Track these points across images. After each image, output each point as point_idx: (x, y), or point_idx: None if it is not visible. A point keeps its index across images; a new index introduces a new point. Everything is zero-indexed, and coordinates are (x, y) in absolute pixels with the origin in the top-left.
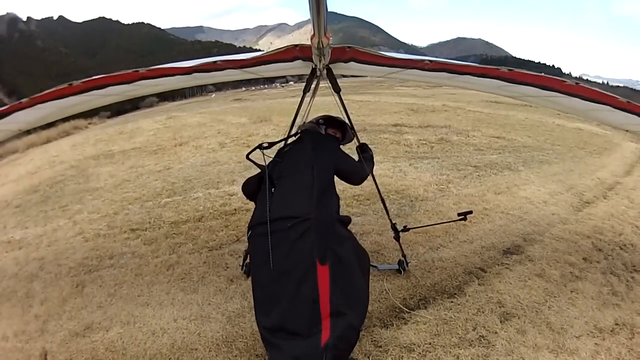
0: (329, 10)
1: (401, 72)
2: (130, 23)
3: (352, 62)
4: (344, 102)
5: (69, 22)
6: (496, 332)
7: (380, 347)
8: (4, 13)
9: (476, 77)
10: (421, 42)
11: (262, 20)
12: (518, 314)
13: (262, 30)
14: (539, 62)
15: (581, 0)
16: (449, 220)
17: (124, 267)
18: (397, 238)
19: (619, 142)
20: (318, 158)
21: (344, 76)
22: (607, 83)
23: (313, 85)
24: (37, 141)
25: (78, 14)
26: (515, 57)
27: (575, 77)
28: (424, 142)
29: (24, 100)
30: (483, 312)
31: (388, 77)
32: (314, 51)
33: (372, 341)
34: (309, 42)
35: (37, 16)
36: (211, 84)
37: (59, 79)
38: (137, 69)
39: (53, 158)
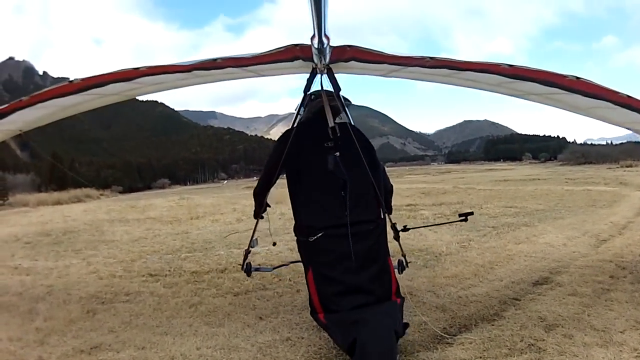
0: None
1: (402, 70)
2: (144, 100)
3: (352, 62)
4: None
5: None
6: (544, 340)
7: None
8: (20, 59)
9: (477, 73)
10: (428, 129)
11: (273, 109)
12: (561, 324)
13: (274, 120)
14: (544, 135)
15: (580, 67)
16: (450, 221)
17: (141, 303)
18: (397, 238)
19: (628, 193)
20: (373, 162)
21: None
22: (612, 142)
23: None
24: (48, 200)
25: None
26: (520, 134)
27: (581, 144)
28: (439, 215)
29: (24, 98)
30: (527, 327)
31: (391, 76)
32: (314, 51)
33: None
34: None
35: (53, 73)
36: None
37: (72, 143)
38: (137, 67)
39: (65, 216)
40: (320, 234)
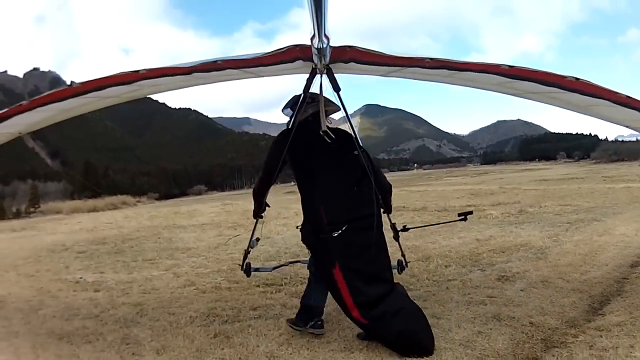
0: (371, 102)
1: (402, 71)
2: (177, 107)
3: (352, 62)
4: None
5: None
6: None
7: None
8: (46, 70)
9: (476, 74)
10: (463, 130)
11: None
12: None
13: None
14: (577, 133)
15: (606, 62)
16: (450, 220)
17: (281, 317)
18: (396, 238)
19: None
20: (371, 161)
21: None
22: None
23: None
24: (82, 207)
25: None
26: (553, 133)
27: (612, 141)
28: (507, 214)
29: (23, 102)
30: None
31: (391, 76)
32: (314, 51)
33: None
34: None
35: None
36: None
37: (104, 152)
38: (137, 70)
39: (107, 224)
40: (344, 228)
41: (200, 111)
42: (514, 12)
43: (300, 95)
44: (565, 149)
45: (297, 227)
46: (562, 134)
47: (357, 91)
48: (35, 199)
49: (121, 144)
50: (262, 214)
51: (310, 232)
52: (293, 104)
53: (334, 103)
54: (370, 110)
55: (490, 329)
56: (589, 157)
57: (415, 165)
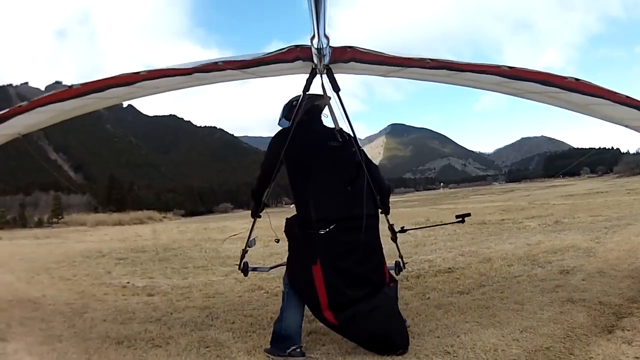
0: (397, 122)
1: (402, 71)
2: (202, 126)
3: (352, 62)
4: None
5: (139, 114)
6: None
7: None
8: (68, 84)
9: (477, 74)
10: (488, 148)
11: None
12: None
13: None
14: (599, 148)
15: (627, 73)
16: (448, 222)
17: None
18: (394, 239)
19: None
20: (368, 161)
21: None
22: None
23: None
24: (107, 220)
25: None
26: (576, 148)
27: (634, 153)
28: (544, 224)
29: (23, 103)
30: None
31: (391, 76)
32: (313, 51)
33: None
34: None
35: None
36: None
37: (129, 167)
38: (138, 71)
39: (137, 236)
40: (333, 226)
41: (225, 129)
42: (534, 27)
43: (291, 101)
44: (589, 164)
45: (285, 219)
46: (585, 148)
47: (382, 111)
48: (58, 210)
49: (146, 161)
50: (260, 214)
51: (296, 226)
52: (288, 113)
53: (324, 96)
54: (396, 130)
55: (569, 309)
56: (612, 172)
57: (442, 184)
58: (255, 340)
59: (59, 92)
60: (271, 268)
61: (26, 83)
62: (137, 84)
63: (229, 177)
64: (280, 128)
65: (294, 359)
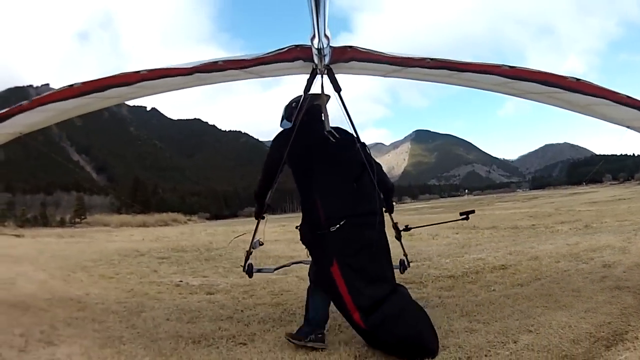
0: (421, 128)
1: (402, 71)
2: (227, 130)
3: (352, 62)
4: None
5: (163, 117)
6: None
7: None
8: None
9: (477, 74)
10: (511, 155)
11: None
12: None
13: None
14: (621, 155)
15: None
16: (451, 220)
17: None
18: (398, 238)
19: None
20: (370, 159)
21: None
22: None
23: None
24: (131, 222)
25: (172, 111)
26: (598, 155)
27: None
28: (575, 229)
29: (24, 102)
30: None
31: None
32: (314, 51)
33: None
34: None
35: (129, 102)
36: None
37: (153, 170)
38: (138, 70)
39: (164, 238)
40: (342, 222)
41: (250, 134)
42: (556, 32)
43: (291, 102)
44: (611, 171)
45: (296, 227)
46: (607, 155)
47: (407, 117)
48: (81, 210)
49: (170, 164)
50: (264, 216)
51: (307, 230)
52: (289, 116)
53: (321, 94)
54: (421, 136)
55: (618, 294)
56: (633, 178)
57: (466, 191)
58: (347, 333)
59: (60, 91)
60: (276, 269)
61: (47, 84)
62: (138, 84)
63: (254, 182)
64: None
65: (313, 343)
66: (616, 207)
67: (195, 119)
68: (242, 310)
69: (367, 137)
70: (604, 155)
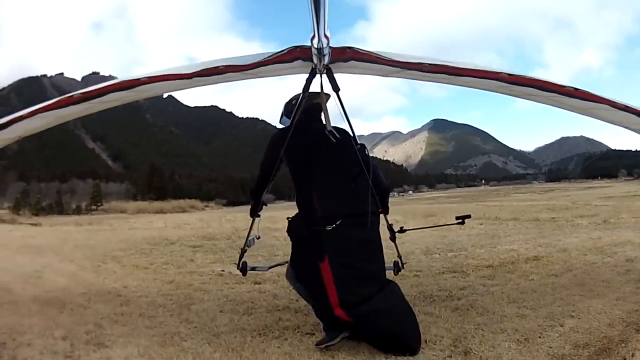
0: (439, 117)
1: (402, 72)
2: (244, 117)
3: (352, 62)
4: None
5: (180, 104)
6: None
7: None
8: (106, 74)
9: (476, 79)
10: (528, 146)
11: (376, 128)
12: None
13: (377, 138)
14: (636, 150)
15: None
16: (446, 224)
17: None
18: (393, 239)
19: None
20: (367, 159)
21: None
22: None
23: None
24: (148, 208)
25: (189, 98)
26: (614, 150)
27: None
28: (594, 223)
29: (24, 112)
30: None
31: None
32: (313, 51)
33: None
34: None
35: None
36: None
37: (169, 157)
38: (138, 77)
39: (185, 224)
40: (339, 222)
41: (268, 121)
42: (573, 26)
43: (291, 100)
44: (626, 166)
45: (287, 218)
46: (623, 150)
47: (425, 106)
48: (97, 197)
49: (187, 151)
50: (259, 214)
51: (301, 225)
52: (288, 112)
53: (320, 93)
54: (438, 125)
55: None
56: None
57: (483, 181)
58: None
59: (60, 100)
60: (270, 267)
61: (61, 74)
62: (137, 88)
63: None
64: (281, 127)
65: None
66: (631, 204)
67: (212, 106)
68: (296, 300)
69: (385, 125)
70: (620, 150)
